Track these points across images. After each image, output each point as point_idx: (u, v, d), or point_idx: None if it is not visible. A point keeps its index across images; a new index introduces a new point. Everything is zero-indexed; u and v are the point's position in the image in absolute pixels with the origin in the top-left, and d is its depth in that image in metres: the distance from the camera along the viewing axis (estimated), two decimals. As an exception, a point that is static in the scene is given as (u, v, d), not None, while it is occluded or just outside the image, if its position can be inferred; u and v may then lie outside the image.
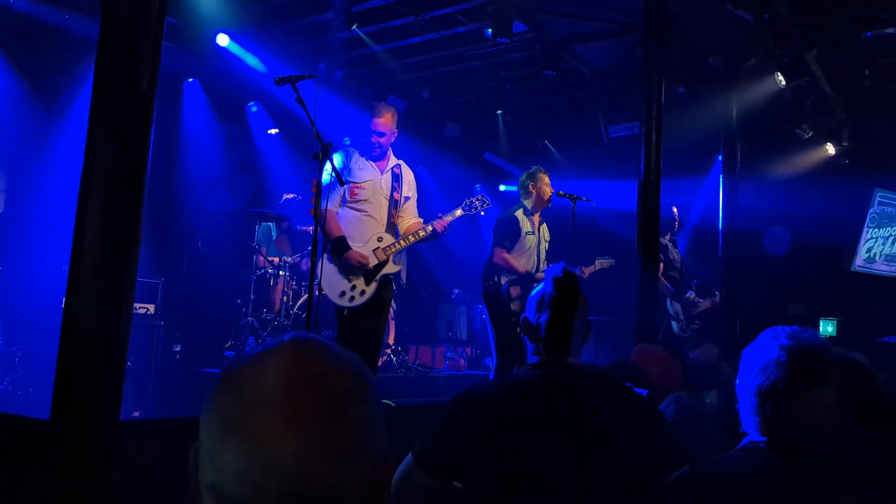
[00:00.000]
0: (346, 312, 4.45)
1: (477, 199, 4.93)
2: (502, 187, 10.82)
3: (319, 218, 3.90)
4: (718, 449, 1.75)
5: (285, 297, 6.22)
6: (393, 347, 6.94)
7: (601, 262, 6.28)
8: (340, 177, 3.97)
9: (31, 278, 5.33)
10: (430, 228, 4.62)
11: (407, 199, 4.73)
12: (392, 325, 6.97)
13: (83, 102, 6.17)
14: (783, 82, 6.80)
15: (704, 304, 6.82)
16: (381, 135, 4.56)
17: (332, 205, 4.45)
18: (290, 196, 6.96)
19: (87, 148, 2.10)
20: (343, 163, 4.48)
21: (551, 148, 9.68)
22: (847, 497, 1.51)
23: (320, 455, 0.74)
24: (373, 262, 4.48)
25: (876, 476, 1.56)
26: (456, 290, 9.41)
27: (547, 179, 5.61)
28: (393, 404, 4.25)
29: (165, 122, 6.65)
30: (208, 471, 0.75)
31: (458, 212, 4.83)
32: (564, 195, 5.59)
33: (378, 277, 4.51)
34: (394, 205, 4.63)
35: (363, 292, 4.47)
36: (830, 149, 8.55)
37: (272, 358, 0.79)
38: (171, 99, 6.77)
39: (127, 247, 2.08)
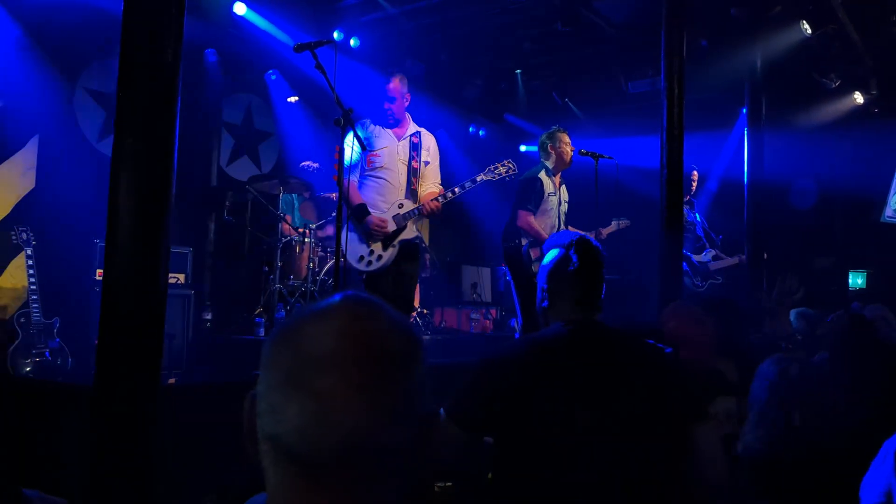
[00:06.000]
0: (364, 277, 4.57)
1: (502, 165, 4.84)
2: (523, 148, 10.75)
3: (343, 186, 3.93)
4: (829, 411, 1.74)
5: (311, 264, 6.28)
6: (418, 310, 7.01)
7: (619, 223, 6.25)
8: (362, 142, 3.98)
9: (66, 252, 5.46)
10: (441, 200, 4.61)
11: (426, 163, 4.74)
12: (417, 287, 7.04)
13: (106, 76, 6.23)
14: (809, 30, 6.65)
15: (730, 260, 6.78)
16: (392, 100, 4.59)
17: (353, 175, 4.55)
18: (308, 164, 7.00)
19: (117, 121, 2.15)
20: (360, 134, 4.50)
21: (572, 106, 9.57)
22: None
23: (379, 414, 0.78)
24: (391, 227, 4.54)
25: None
26: (480, 252, 9.43)
27: (567, 139, 5.54)
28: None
29: (186, 94, 6.67)
30: (268, 422, 0.79)
31: (480, 177, 4.77)
32: (586, 153, 5.52)
33: (396, 242, 4.57)
34: (413, 172, 4.65)
35: (380, 257, 4.55)
36: (859, 98, 8.36)
37: (331, 318, 0.82)
38: (190, 70, 6.78)
39: (159, 215, 2.13)
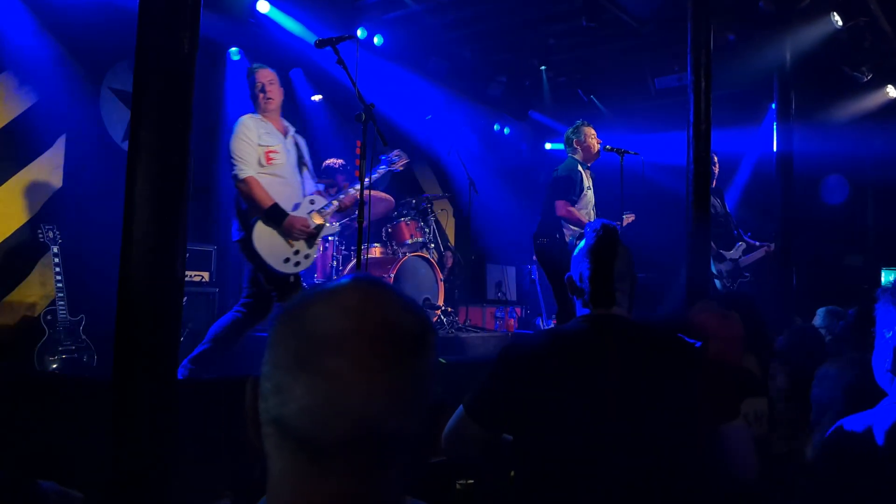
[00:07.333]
0: (292, 279, 4.32)
1: (395, 155, 4.86)
2: (548, 145, 10.69)
3: (364, 180, 3.90)
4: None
5: (335, 262, 6.28)
6: (443, 308, 6.98)
7: (626, 217, 6.17)
8: (383, 137, 3.95)
9: (92, 250, 5.50)
10: (353, 192, 4.54)
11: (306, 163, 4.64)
12: (441, 286, 7.00)
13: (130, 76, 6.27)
14: (839, 23, 6.50)
15: (759, 252, 6.64)
16: (267, 90, 4.48)
17: (252, 171, 4.25)
18: (332, 162, 6.98)
19: (133, 112, 2.14)
20: (253, 129, 4.32)
21: (597, 102, 9.49)
22: None
23: (388, 399, 0.75)
24: (313, 225, 4.38)
25: None
26: (505, 251, 9.39)
27: (592, 132, 5.54)
28: (444, 361, 4.29)
29: (212, 92, 6.71)
30: (273, 404, 0.76)
31: (382, 168, 4.80)
32: (612, 149, 5.50)
33: (320, 239, 4.45)
34: (300, 171, 4.53)
35: (308, 255, 4.37)
36: (892, 91, 8.18)
37: (341, 297, 0.79)
38: (215, 69, 6.82)
39: (175, 206, 2.12)
